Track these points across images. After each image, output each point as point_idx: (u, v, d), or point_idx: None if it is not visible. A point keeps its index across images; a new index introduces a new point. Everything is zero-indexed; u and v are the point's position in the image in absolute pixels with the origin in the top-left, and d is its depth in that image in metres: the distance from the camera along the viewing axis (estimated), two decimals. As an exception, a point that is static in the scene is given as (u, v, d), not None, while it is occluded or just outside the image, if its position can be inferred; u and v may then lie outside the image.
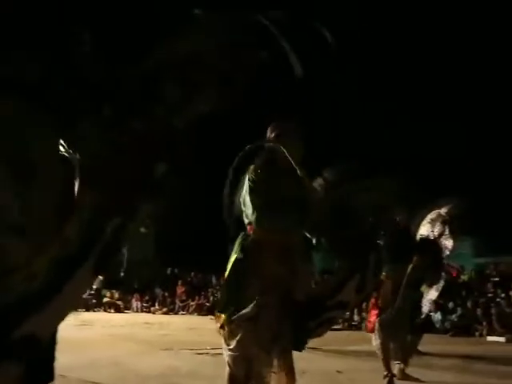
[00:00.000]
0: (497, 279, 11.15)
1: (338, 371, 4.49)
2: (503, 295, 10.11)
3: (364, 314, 10.18)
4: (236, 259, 2.31)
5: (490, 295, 10.41)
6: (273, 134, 2.44)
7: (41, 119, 1.05)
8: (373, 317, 4.11)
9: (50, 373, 1.04)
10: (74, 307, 1.16)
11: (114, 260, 1.11)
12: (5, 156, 0.98)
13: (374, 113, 14.27)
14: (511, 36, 13.60)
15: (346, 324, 9.56)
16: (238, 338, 2.20)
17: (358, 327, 9.89)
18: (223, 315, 2.28)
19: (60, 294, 0.98)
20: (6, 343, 0.92)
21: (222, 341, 2.29)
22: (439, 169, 14.26)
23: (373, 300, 4.20)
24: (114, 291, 14.84)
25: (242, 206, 2.35)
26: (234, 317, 2.21)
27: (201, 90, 1.16)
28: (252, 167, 2.35)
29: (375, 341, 4.02)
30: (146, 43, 1.22)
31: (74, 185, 1.05)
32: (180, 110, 1.14)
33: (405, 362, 4.11)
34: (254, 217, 2.28)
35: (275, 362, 2.26)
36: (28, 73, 1.04)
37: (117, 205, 1.05)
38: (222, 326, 2.29)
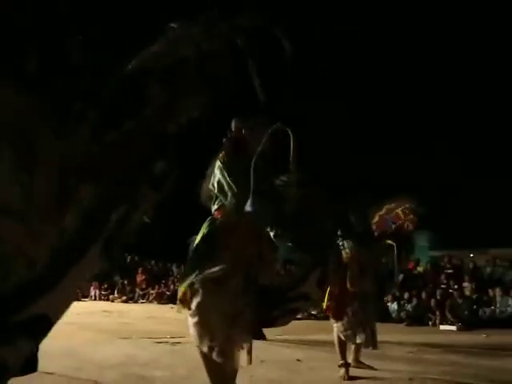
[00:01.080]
0: (450, 271, 11.60)
1: (298, 360, 4.55)
2: (456, 286, 10.55)
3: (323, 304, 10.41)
4: (205, 234, 2.30)
5: (443, 286, 10.83)
6: (237, 127, 2.48)
7: (43, 111, 1.09)
8: (344, 305, 4.08)
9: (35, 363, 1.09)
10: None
11: (121, 245, 1.16)
12: (12, 142, 1.00)
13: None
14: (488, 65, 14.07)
15: (306, 314, 9.71)
16: (198, 299, 2.17)
17: (317, 317, 10.09)
18: (184, 285, 2.24)
19: (66, 278, 1.03)
20: (13, 323, 0.97)
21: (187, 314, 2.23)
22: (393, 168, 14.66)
23: (332, 289, 4.21)
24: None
25: (216, 192, 2.35)
26: (198, 276, 2.17)
27: (186, 96, 1.23)
28: (221, 154, 2.37)
29: (339, 327, 4.06)
30: (131, 46, 1.28)
31: (69, 176, 1.08)
32: (168, 114, 1.21)
33: (375, 345, 4.15)
34: (232, 203, 2.29)
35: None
36: (29, 67, 1.07)
37: (118, 196, 1.11)
38: (182, 299, 2.25)
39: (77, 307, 10.60)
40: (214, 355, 2.12)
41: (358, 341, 4.06)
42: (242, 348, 2.19)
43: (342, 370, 3.94)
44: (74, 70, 1.13)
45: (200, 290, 2.18)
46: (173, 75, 1.21)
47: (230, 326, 2.15)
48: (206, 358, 2.20)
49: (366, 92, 14.66)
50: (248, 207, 2.26)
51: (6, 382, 1.05)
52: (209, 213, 2.45)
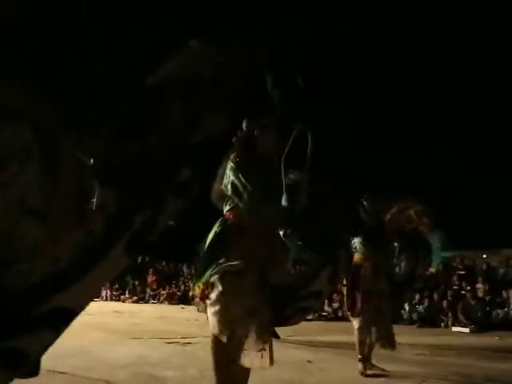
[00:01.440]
0: (462, 272, 11.48)
1: (309, 361, 4.54)
2: (468, 288, 10.44)
3: (334, 304, 10.36)
4: (218, 233, 2.28)
5: (455, 287, 10.73)
6: (249, 127, 2.47)
7: (64, 118, 1.17)
8: (358, 302, 4.14)
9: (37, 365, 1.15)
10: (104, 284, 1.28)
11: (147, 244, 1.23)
12: (40, 143, 1.05)
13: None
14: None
15: (317, 315, 9.68)
16: (219, 288, 2.15)
17: (328, 318, 10.05)
18: (202, 281, 2.22)
19: (90, 274, 1.10)
20: (36, 315, 1.05)
21: (208, 305, 2.20)
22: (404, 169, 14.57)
23: (348, 286, 4.27)
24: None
25: (230, 193, 2.34)
26: (217, 268, 2.16)
27: (206, 114, 1.30)
28: (233, 155, 2.36)
29: (355, 324, 4.14)
30: (149, 60, 1.35)
31: (88, 179, 1.15)
32: (188, 130, 1.27)
33: (393, 346, 4.13)
34: (247, 204, 2.28)
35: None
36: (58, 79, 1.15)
37: (141, 202, 1.18)
38: (202, 297, 2.23)
39: (88, 307, 10.68)
40: (232, 346, 2.10)
41: (370, 340, 4.08)
42: (261, 349, 2.14)
43: (360, 365, 4.03)
44: (95, 81, 1.19)
45: (219, 282, 2.16)
46: (191, 92, 1.26)
47: (249, 320, 2.11)
48: (218, 354, 2.18)
49: (369, 94, 14.58)
50: (265, 208, 2.27)
51: (25, 371, 1.10)
52: (219, 213, 2.45)
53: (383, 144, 15.16)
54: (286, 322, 2.34)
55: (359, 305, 4.10)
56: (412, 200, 4.38)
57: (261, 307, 2.15)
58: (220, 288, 2.16)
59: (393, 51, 14.19)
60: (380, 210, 4.31)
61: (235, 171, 2.31)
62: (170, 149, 1.23)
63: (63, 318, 1.11)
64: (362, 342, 4.12)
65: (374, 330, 4.02)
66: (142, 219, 1.16)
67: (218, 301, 2.15)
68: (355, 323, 4.15)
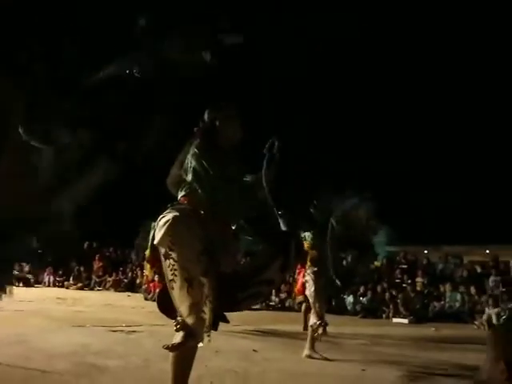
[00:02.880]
0: (404, 266, 11.99)
1: (254, 350, 4.57)
2: (409, 281, 10.92)
3: (282, 295, 10.52)
4: (172, 215, 2.25)
5: (397, 281, 11.19)
6: (211, 118, 2.49)
7: None
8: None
9: None
10: None
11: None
12: None
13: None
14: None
15: (264, 304, 9.79)
16: (169, 237, 2.18)
17: (275, 308, 10.19)
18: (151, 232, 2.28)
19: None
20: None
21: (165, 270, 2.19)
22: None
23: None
24: (23, 264, 13.91)
25: (191, 179, 2.34)
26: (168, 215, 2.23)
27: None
28: (197, 142, 2.37)
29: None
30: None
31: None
32: None
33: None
34: (206, 190, 2.30)
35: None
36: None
37: None
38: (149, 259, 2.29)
39: (28, 293, 10.24)
40: (194, 291, 2.09)
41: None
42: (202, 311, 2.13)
43: (321, 330, 4.47)
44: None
45: (170, 228, 2.18)
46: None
47: (200, 265, 2.14)
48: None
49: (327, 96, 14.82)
50: (222, 197, 2.31)
51: None
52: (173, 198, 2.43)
53: (333, 144, 15.46)
54: (236, 307, 2.36)
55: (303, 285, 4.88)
56: (358, 201, 4.64)
57: (211, 270, 2.17)
58: (170, 236, 2.15)
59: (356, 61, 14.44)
60: (328, 209, 4.67)
61: (198, 157, 2.32)
62: None
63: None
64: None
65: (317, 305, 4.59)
66: None
67: (171, 250, 2.15)
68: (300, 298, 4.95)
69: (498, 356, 3.19)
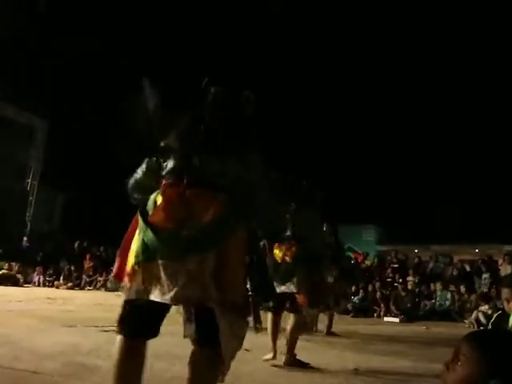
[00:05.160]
0: (396, 266, 12.06)
1: (246, 349, 4.54)
2: (400, 280, 10.98)
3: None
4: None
5: (389, 280, 11.25)
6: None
7: None
8: None
9: None
10: None
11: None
12: None
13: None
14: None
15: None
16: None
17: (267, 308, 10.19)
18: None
19: None
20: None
21: None
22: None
23: None
24: (13, 263, 13.76)
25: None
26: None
27: None
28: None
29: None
30: None
31: None
32: None
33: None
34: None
35: None
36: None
37: None
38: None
39: (17, 293, 10.12)
40: None
41: None
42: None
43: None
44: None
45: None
46: None
47: None
48: None
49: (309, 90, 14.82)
50: None
51: None
52: None
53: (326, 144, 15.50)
54: None
55: None
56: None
57: None
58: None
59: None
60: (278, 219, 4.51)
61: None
62: None
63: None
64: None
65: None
66: None
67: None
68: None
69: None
